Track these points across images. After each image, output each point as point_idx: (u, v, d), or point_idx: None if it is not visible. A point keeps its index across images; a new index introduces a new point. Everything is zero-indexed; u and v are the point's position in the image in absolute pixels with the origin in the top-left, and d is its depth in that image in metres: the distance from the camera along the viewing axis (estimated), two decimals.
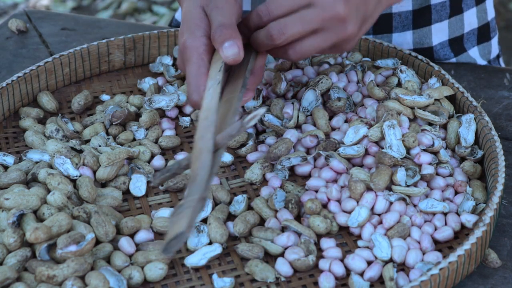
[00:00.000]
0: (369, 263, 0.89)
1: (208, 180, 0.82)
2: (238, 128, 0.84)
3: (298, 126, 1.06)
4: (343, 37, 0.93)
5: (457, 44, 1.29)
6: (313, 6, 0.91)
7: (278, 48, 0.94)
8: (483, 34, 1.32)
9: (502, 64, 1.41)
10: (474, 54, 1.31)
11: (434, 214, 0.94)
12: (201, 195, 0.80)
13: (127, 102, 1.13)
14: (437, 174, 0.98)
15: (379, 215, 0.94)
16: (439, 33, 1.27)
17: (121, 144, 1.06)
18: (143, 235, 0.93)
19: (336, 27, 0.92)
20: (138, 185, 1.00)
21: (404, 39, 1.26)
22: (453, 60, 1.28)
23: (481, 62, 1.32)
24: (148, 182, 1.01)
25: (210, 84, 0.91)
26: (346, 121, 1.06)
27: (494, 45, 1.35)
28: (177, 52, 1.16)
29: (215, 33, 0.92)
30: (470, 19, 1.29)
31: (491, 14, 1.33)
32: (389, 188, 0.96)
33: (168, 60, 1.22)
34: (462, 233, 0.94)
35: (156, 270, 0.88)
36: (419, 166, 0.98)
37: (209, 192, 0.80)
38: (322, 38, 0.92)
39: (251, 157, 1.04)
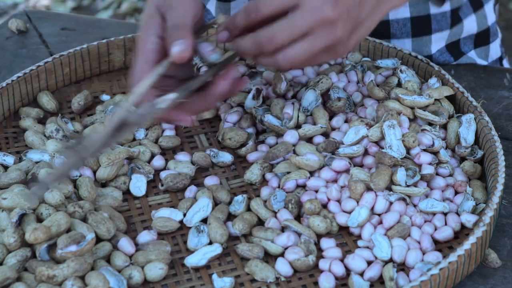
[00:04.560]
0: (369, 263, 0.89)
1: (95, 148, 0.87)
2: (148, 108, 0.88)
3: (298, 126, 1.06)
4: (333, 40, 0.91)
5: (454, 48, 1.28)
6: (300, 8, 0.89)
7: (266, 55, 0.92)
8: (481, 38, 1.31)
9: (507, 66, 1.40)
10: (472, 56, 1.31)
11: (434, 214, 0.94)
12: (81, 154, 0.86)
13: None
14: (437, 174, 0.98)
15: (379, 215, 0.94)
16: (438, 41, 1.27)
17: (121, 144, 1.06)
18: (143, 235, 0.93)
19: (325, 30, 0.90)
20: (138, 185, 1.00)
21: (403, 47, 1.25)
22: (453, 63, 1.28)
23: (481, 62, 1.32)
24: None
25: (150, 74, 0.92)
26: (346, 121, 1.06)
27: (495, 48, 1.34)
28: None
29: (167, 34, 0.94)
30: (470, 26, 1.29)
31: (491, 19, 1.32)
32: (389, 188, 0.95)
33: None
34: (462, 233, 0.94)
35: (156, 270, 0.88)
36: (419, 166, 0.98)
37: (89, 157, 0.88)
38: (311, 42, 0.90)
39: (251, 157, 1.04)
